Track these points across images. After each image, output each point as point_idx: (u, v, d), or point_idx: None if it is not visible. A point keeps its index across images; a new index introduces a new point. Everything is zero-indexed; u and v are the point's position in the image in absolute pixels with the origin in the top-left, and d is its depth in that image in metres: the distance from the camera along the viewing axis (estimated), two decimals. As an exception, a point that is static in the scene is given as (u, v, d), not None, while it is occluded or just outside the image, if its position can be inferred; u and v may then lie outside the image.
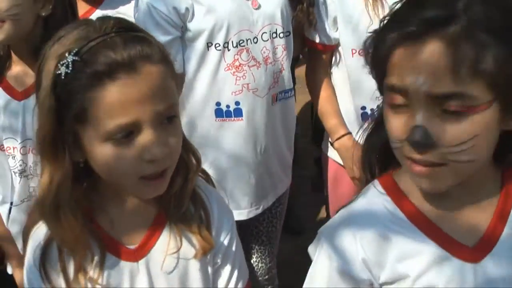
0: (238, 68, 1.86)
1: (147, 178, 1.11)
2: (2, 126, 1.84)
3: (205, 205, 1.27)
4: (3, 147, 1.86)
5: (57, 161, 1.11)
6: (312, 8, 1.97)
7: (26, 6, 1.68)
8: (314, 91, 2.16)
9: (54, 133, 1.09)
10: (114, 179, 1.14)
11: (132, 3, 2.41)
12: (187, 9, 1.81)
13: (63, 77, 1.05)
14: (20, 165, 1.85)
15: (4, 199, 1.92)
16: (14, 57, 1.80)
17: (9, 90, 1.81)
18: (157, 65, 1.07)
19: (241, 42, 1.85)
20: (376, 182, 1.14)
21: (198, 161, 1.25)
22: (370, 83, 1.98)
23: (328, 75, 2.15)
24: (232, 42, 1.85)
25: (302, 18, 1.96)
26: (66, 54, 1.05)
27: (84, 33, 1.08)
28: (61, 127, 1.09)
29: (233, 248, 1.31)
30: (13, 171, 1.87)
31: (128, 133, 1.06)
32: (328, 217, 3.74)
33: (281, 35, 1.92)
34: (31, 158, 1.84)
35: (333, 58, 2.12)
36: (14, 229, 1.92)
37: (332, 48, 2.08)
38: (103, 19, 1.12)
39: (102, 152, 1.08)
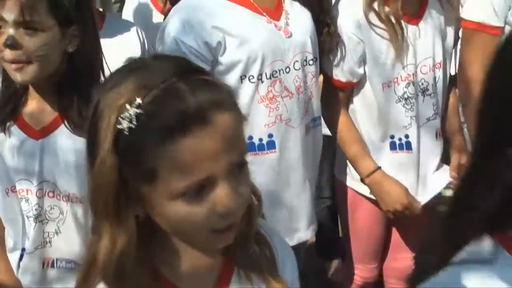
0: (272, 100, 1.78)
1: (218, 231, 1.01)
2: (15, 167, 1.67)
3: (269, 243, 1.17)
4: (15, 189, 1.69)
5: (120, 222, 1.00)
6: (336, 30, 1.92)
7: (54, 44, 1.56)
8: (333, 122, 2.10)
9: (117, 193, 0.97)
10: (182, 234, 1.04)
11: (131, 31, 2.30)
12: (219, 43, 1.72)
13: (126, 133, 0.93)
14: (36, 209, 1.69)
15: (15, 245, 1.75)
16: (31, 92, 1.65)
17: (25, 128, 1.65)
18: (228, 112, 0.97)
19: (274, 73, 1.78)
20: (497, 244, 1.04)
21: (260, 200, 1.15)
22: (398, 114, 1.99)
23: (346, 105, 2.10)
24: (266, 73, 1.77)
25: (329, 42, 1.90)
26: (127, 106, 0.93)
27: (142, 79, 0.95)
28: (124, 186, 0.97)
29: (297, 285, 1.24)
30: (26, 215, 1.71)
31: (201, 188, 0.96)
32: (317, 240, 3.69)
33: (311, 62, 1.86)
34: (47, 201, 1.69)
35: (357, 91, 2.06)
36: (26, 279, 1.75)
37: (355, 85, 2.04)
38: (159, 59, 1.02)
39: (172, 210, 0.97)
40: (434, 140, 2.10)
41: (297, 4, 1.87)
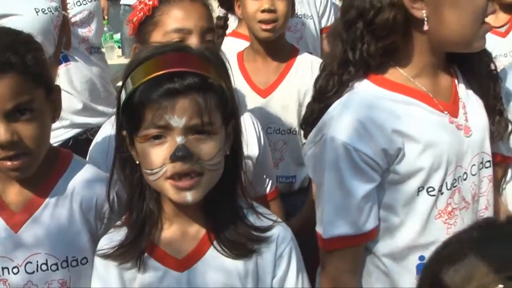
0: (450, 214, 1.46)
1: None
2: None
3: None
4: None
5: None
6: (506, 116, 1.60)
7: (222, 147, 1.29)
8: None
9: None
10: None
11: (245, 116, 1.88)
12: (398, 149, 1.40)
13: None
14: None
15: None
16: (169, 212, 1.36)
17: (163, 259, 1.35)
18: None
19: (454, 182, 1.46)
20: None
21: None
22: None
23: None
24: (447, 183, 1.45)
25: (500, 131, 1.57)
26: None
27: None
28: None
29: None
30: None
31: None
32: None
33: (487, 164, 1.53)
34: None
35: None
36: None
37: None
38: None
39: None
40: None
41: (471, 92, 1.55)
